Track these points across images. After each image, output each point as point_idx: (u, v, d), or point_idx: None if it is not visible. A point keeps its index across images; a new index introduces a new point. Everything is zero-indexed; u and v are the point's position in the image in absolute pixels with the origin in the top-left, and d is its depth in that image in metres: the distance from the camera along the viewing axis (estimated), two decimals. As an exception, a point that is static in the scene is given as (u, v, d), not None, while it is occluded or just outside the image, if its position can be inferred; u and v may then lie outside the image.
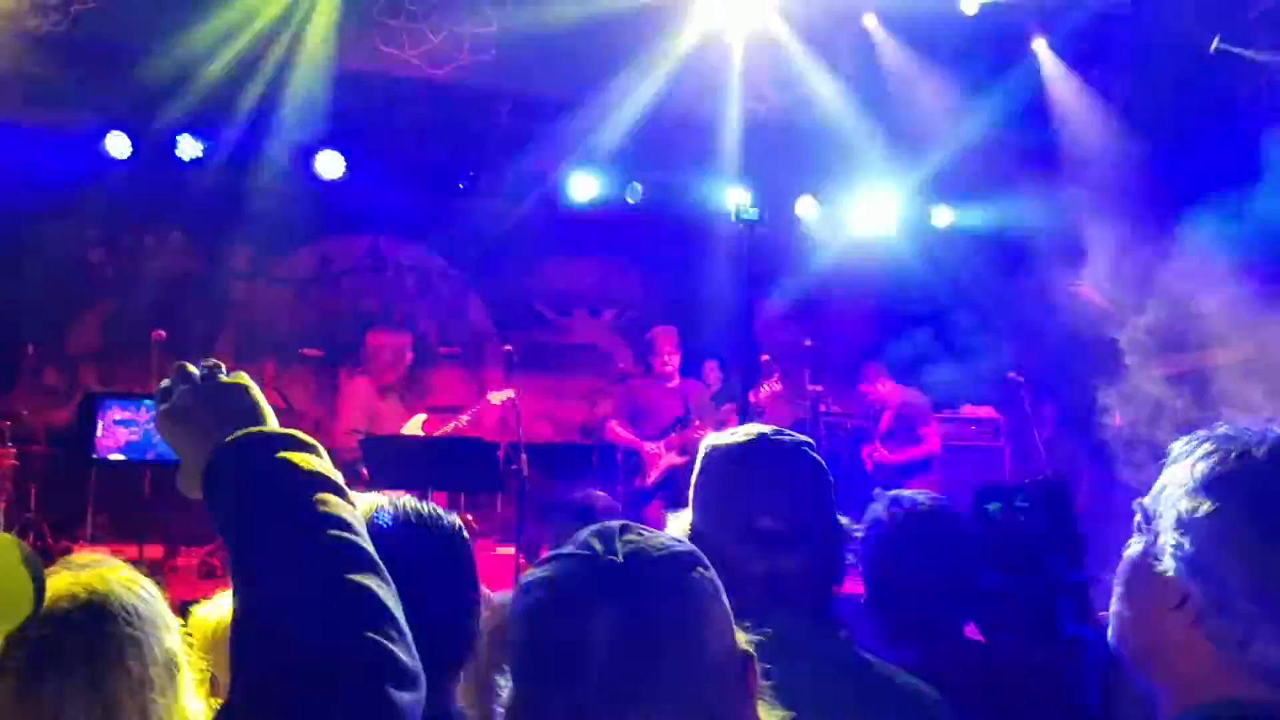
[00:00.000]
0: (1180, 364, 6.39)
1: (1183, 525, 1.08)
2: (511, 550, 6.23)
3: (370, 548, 1.08)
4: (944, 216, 9.30)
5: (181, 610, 1.76)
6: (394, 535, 1.43)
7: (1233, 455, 1.08)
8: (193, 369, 1.21)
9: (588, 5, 6.66)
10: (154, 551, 6.84)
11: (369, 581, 1.04)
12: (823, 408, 8.45)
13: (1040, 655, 2.30)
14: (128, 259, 8.50)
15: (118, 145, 7.62)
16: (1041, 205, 7.65)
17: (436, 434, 7.00)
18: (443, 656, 1.37)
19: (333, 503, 1.09)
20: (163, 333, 6.89)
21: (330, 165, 7.97)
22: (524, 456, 5.99)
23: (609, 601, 1.03)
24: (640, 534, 1.10)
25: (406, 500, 1.52)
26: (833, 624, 1.58)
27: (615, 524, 1.10)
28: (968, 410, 8.42)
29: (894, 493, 2.23)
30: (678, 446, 6.87)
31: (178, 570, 7.08)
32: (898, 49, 7.66)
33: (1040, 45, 8.01)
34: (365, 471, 5.90)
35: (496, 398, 7.02)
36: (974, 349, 8.09)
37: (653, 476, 6.93)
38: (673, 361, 7.10)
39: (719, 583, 1.09)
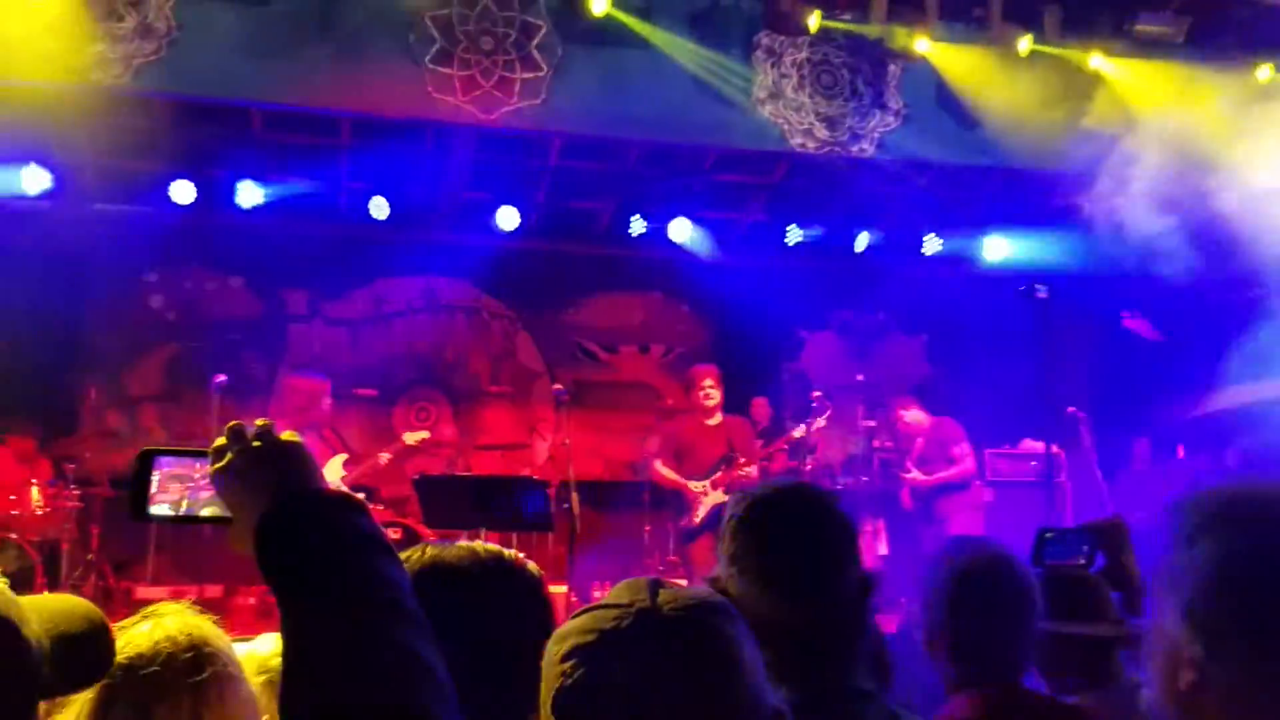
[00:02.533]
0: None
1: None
2: (564, 589, 6.24)
3: (417, 607, 1.13)
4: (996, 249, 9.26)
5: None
6: (479, 577, 1.48)
7: (1216, 500, 1.06)
8: (246, 428, 1.25)
9: (641, 49, 6.76)
10: (213, 590, 6.95)
11: (416, 642, 1.09)
12: (876, 443, 8.38)
13: (1101, 704, 2.24)
14: (189, 303, 8.71)
15: (181, 192, 7.85)
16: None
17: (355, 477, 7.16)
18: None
19: (381, 562, 1.14)
20: (223, 376, 7.03)
21: (381, 209, 8.15)
22: (575, 495, 5.99)
23: (643, 648, 1.06)
24: (672, 586, 1.15)
25: (485, 544, 1.60)
26: (856, 677, 1.58)
27: (646, 578, 1.15)
28: (1026, 445, 8.28)
29: (952, 538, 2.21)
30: (723, 485, 6.83)
31: (236, 610, 7.18)
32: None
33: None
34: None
35: (411, 438, 7.19)
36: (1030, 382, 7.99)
37: (699, 516, 6.92)
38: (714, 396, 7.07)
39: (749, 634, 1.13)
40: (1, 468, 7.14)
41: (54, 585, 6.73)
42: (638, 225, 8.85)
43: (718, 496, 6.80)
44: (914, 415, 7.87)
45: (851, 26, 6.96)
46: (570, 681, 1.08)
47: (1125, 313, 8.16)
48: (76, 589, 6.93)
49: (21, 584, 6.33)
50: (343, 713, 1.04)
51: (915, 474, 7.68)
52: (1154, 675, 1.08)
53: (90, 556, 7.13)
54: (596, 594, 7.40)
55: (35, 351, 7.92)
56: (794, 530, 1.62)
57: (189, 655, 1.53)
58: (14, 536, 6.56)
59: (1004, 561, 2.13)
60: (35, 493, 6.91)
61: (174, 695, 1.50)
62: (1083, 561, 2.61)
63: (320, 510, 1.16)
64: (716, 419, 7.09)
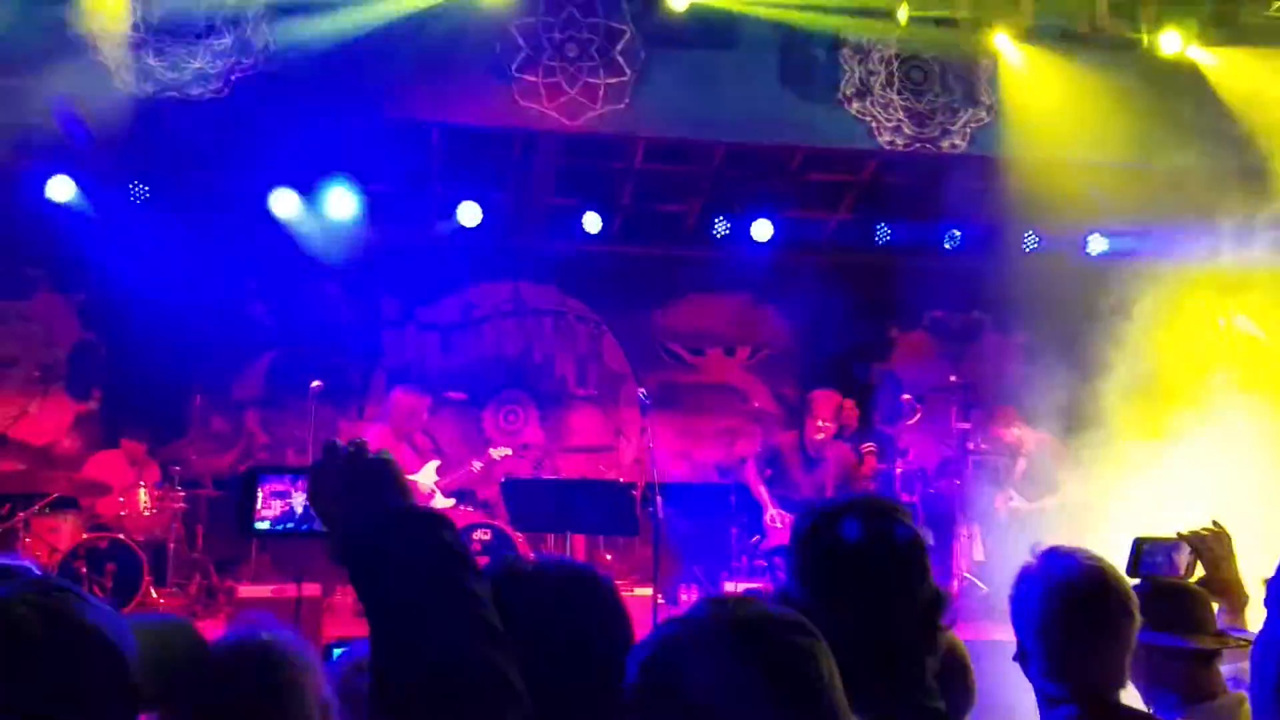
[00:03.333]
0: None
1: None
2: (649, 591, 6.24)
3: (497, 622, 1.18)
4: (1097, 244, 9.01)
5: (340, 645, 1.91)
6: (555, 588, 1.51)
7: None
8: (340, 446, 1.31)
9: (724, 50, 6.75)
10: (312, 589, 7.12)
11: (494, 656, 1.14)
12: (971, 445, 8.19)
13: (1202, 721, 2.16)
14: (288, 310, 8.97)
15: (281, 203, 8.07)
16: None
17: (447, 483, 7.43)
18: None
19: (464, 578, 1.19)
20: (320, 383, 7.23)
21: (470, 215, 8.28)
22: (659, 498, 6.00)
23: (719, 662, 1.07)
24: (751, 601, 1.16)
25: (562, 556, 1.63)
26: (928, 697, 1.56)
27: (730, 594, 1.15)
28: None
29: (1048, 547, 2.14)
30: None
31: (334, 608, 7.36)
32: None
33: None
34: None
35: (497, 454, 7.30)
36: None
37: (765, 545, 6.93)
38: (827, 430, 6.97)
39: (828, 648, 1.13)
40: (114, 470, 7.45)
41: (160, 584, 7.00)
42: (722, 227, 8.82)
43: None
44: (1018, 432, 7.62)
45: (942, 12, 6.84)
46: (645, 694, 1.09)
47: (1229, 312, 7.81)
48: (181, 587, 7.20)
49: (128, 583, 6.62)
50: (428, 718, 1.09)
51: (1017, 501, 7.46)
52: (1258, 671, 1.04)
53: (195, 555, 7.39)
54: (684, 597, 7.39)
55: (147, 359, 8.23)
56: (856, 547, 1.59)
57: (257, 664, 1.56)
58: (122, 536, 6.83)
59: (1102, 573, 2.05)
60: (143, 494, 7.20)
61: (242, 705, 1.53)
62: (1181, 572, 2.52)
63: (406, 527, 1.21)
64: (823, 453, 7.01)
